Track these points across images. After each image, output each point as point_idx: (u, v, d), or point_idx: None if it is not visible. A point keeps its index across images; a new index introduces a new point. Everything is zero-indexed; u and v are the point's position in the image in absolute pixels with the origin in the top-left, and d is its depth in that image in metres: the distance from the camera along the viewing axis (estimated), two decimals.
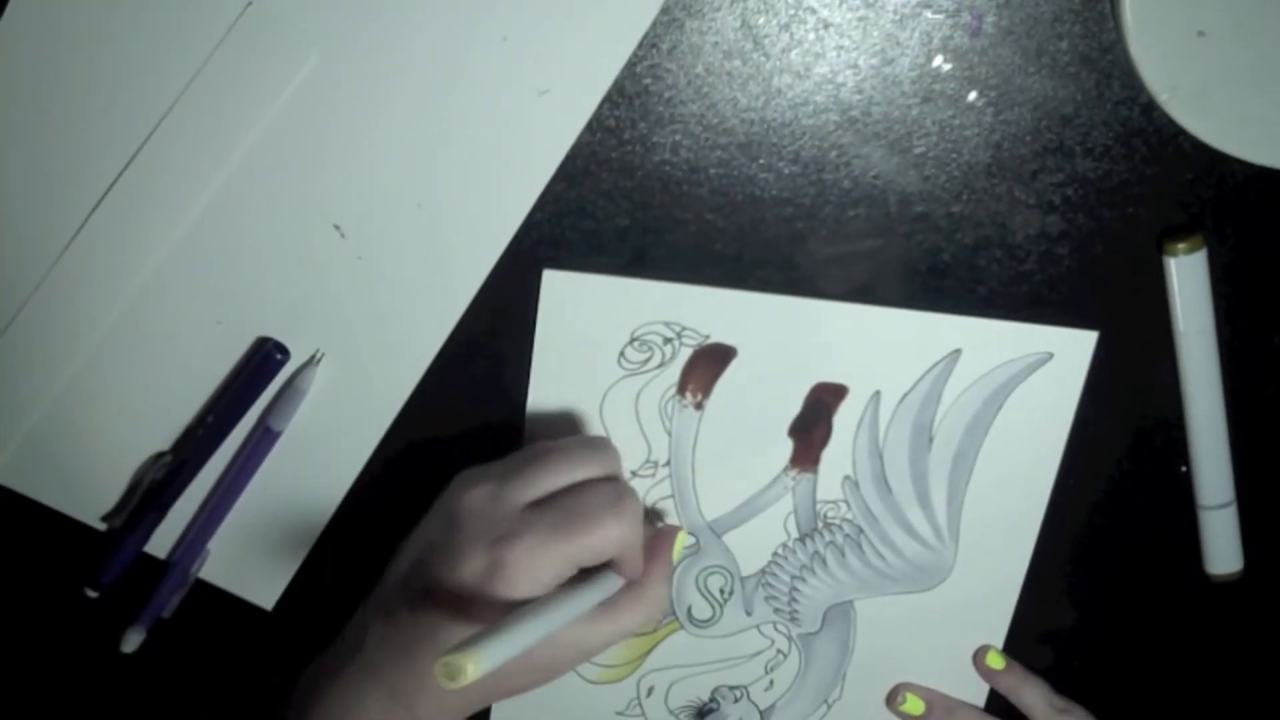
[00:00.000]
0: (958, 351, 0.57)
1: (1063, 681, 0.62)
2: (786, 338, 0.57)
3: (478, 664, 0.41)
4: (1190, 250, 0.54)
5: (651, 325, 0.57)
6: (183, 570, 0.61)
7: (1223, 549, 0.60)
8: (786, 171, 0.55)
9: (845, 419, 0.59)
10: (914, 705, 0.63)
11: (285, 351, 0.57)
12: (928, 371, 0.58)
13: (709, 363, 0.58)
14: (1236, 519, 0.59)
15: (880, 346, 0.57)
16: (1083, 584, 0.62)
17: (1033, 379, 0.58)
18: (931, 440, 0.59)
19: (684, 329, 0.57)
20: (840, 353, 0.58)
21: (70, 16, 0.53)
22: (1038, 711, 0.61)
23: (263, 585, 0.63)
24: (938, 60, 0.53)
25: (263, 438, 0.59)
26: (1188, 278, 0.55)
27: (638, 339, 0.57)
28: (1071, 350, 0.57)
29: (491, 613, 0.49)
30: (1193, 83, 0.51)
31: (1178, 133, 0.52)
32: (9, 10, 0.53)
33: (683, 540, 0.57)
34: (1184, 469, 0.59)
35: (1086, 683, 0.62)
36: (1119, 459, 0.59)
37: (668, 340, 0.57)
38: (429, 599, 0.50)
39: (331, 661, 0.53)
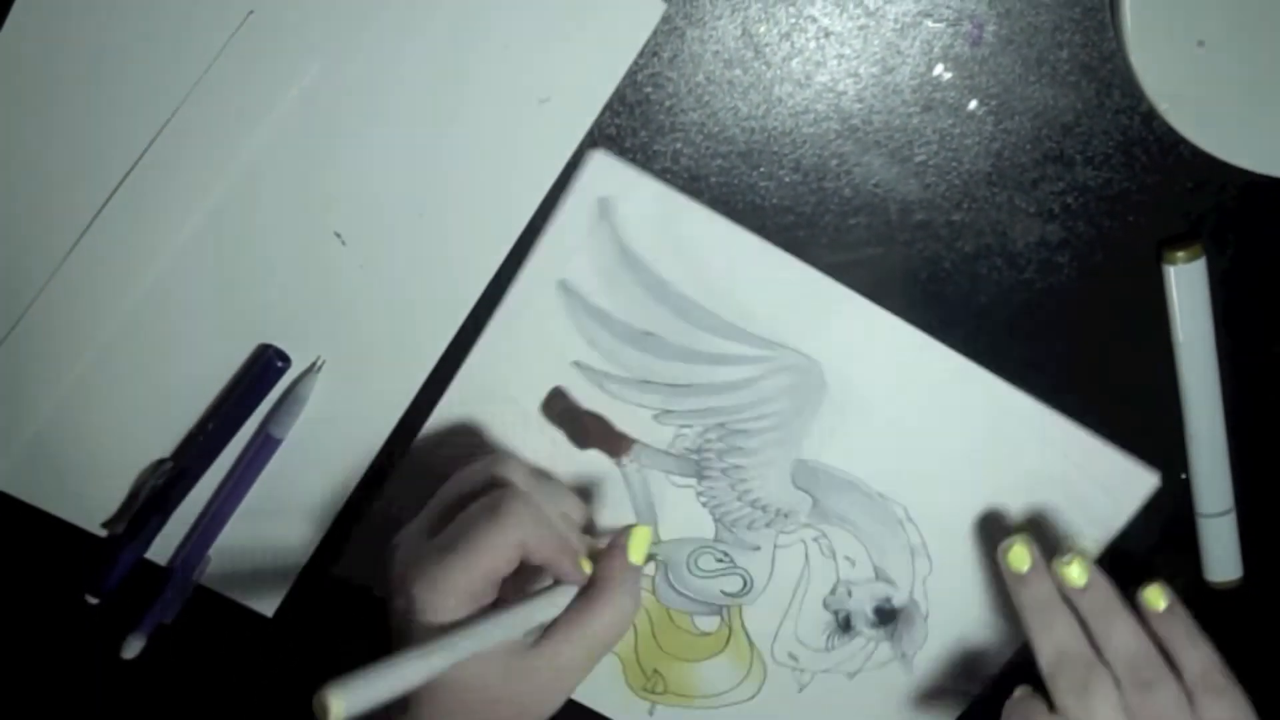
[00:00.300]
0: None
1: None
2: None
3: (341, 703, 0.40)
4: (1189, 259, 0.54)
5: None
6: (184, 576, 0.61)
7: (1222, 557, 0.60)
8: (787, 180, 0.55)
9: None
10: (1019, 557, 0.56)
11: (286, 359, 0.57)
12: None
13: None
14: (1235, 527, 0.59)
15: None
16: None
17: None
18: None
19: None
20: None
21: (73, 24, 0.53)
22: (1194, 676, 0.55)
23: (263, 592, 0.63)
24: (938, 69, 0.54)
25: (264, 445, 0.59)
26: (1187, 286, 0.55)
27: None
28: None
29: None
30: (1193, 92, 0.51)
31: (1178, 141, 0.53)
32: (11, 18, 0.53)
33: (645, 536, 0.53)
34: (1183, 476, 0.59)
35: None
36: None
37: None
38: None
39: None
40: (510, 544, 0.49)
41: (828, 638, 0.62)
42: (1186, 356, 0.56)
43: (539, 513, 0.51)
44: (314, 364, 0.58)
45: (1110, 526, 0.60)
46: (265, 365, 0.57)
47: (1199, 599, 0.61)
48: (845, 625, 0.62)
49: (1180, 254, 0.55)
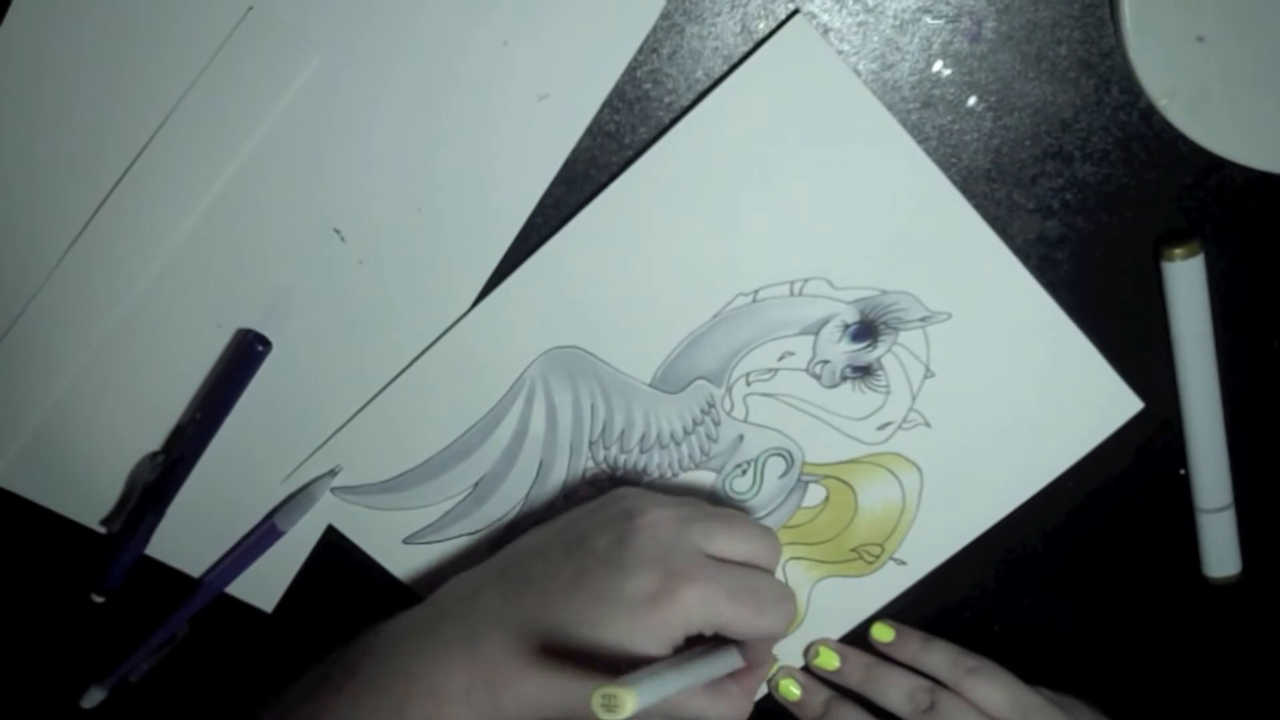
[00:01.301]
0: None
1: (1061, 683, 0.62)
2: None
3: (636, 699, 0.42)
4: (1187, 255, 0.54)
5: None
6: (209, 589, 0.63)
7: (1221, 552, 0.60)
8: None
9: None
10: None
11: (266, 343, 0.58)
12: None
13: None
14: (1235, 522, 0.59)
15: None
16: (1082, 586, 0.62)
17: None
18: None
19: None
20: None
21: (71, 20, 0.53)
22: (947, 673, 0.60)
23: (264, 588, 0.63)
24: (937, 65, 0.54)
25: (266, 534, 0.61)
26: (1185, 283, 0.55)
27: None
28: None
29: (609, 661, 0.49)
30: (1192, 88, 0.51)
31: (1177, 137, 0.52)
32: (10, 15, 0.53)
33: (774, 668, 0.62)
34: (1182, 472, 0.59)
35: (1085, 685, 0.62)
36: (1118, 462, 0.59)
37: None
38: (549, 610, 0.51)
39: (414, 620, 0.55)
40: (773, 634, 0.53)
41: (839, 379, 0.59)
42: (1185, 352, 0.56)
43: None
44: (332, 470, 0.60)
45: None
46: (245, 349, 0.57)
47: (1198, 595, 0.61)
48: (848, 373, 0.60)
49: (1178, 251, 0.55)
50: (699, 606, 0.49)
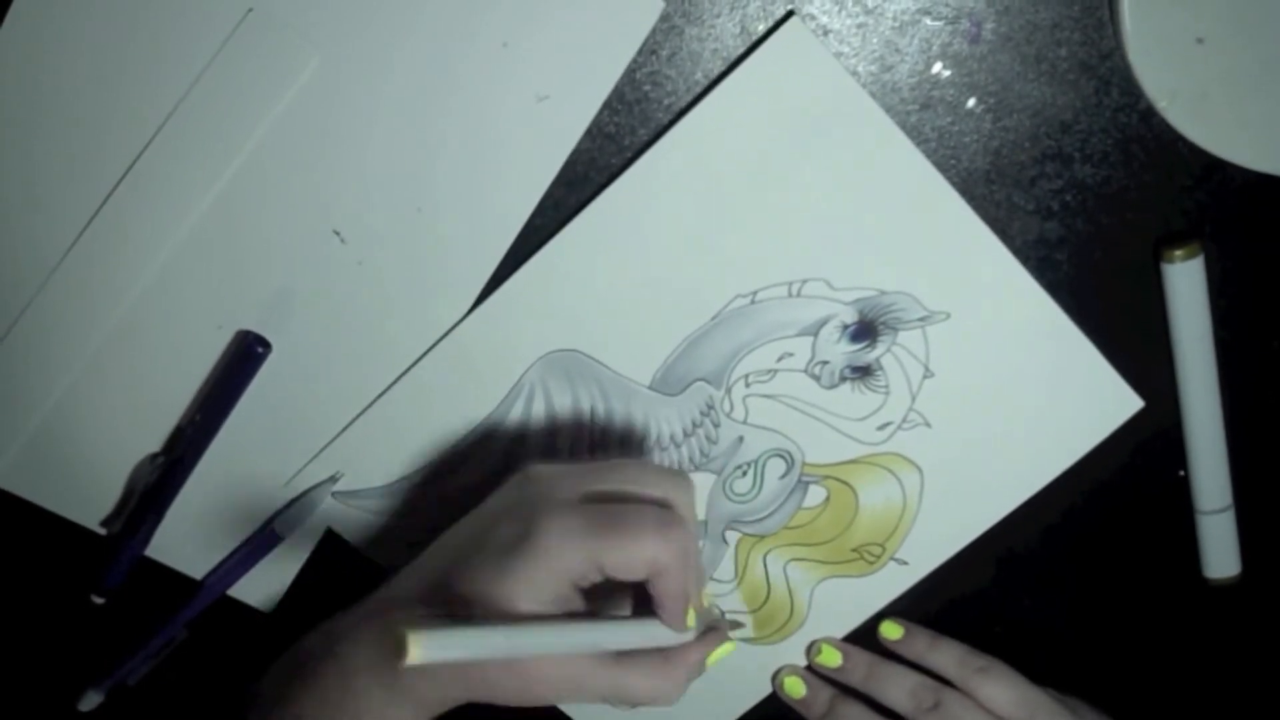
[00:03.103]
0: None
1: (1061, 684, 0.62)
2: None
3: (419, 648, 0.40)
4: (1187, 257, 0.54)
5: None
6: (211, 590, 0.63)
7: (1221, 553, 0.60)
8: None
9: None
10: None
11: (266, 344, 0.58)
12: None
13: None
14: (1234, 523, 0.59)
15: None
16: (1081, 587, 0.62)
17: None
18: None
19: None
20: None
21: (71, 22, 0.53)
22: (954, 672, 0.60)
23: (262, 590, 0.63)
24: (937, 67, 0.53)
25: (265, 539, 0.61)
26: (1185, 285, 0.55)
27: None
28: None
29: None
30: (1191, 89, 0.51)
31: (1176, 139, 0.52)
32: (10, 17, 0.53)
33: (729, 649, 0.54)
34: (1181, 473, 0.59)
35: (1085, 686, 0.62)
36: (1117, 462, 0.59)
37: None
38: (441, 579, 0.49)
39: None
40: (657, 562, 0.49)
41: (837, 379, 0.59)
42: (1185, 353, 0.56)
43: (693, 553, 0.51)
44: (333, 476, 0.60)
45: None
46: (245, 351, 0.58)
47: (1198, 596, 0.61)
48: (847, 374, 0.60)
49: (1178, 253, 0.55)
50: (558, 542, 0.47)
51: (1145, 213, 0.55)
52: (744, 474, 0.60)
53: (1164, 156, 0.54)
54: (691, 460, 0.60)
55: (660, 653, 0.51)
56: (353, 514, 0.61)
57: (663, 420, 0.59)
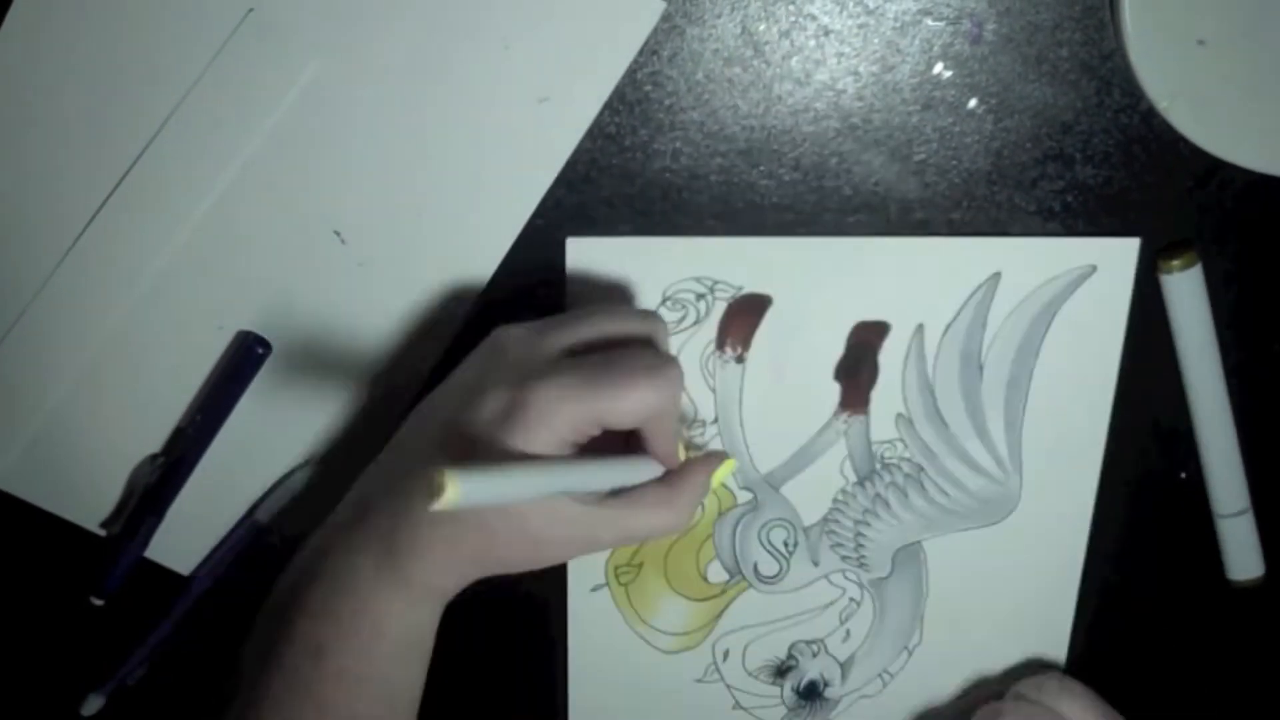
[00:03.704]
0: (997, 275, 0.56)
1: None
2: (820, 280, 0.56)
3: (457, 488, 0.38)
4: (1184, 267, 0.54)
5: (682, 283, 0.56)
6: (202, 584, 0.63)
7: (1243, 555, 0.60)
8: (787, 178, 0.55)
9: (891, 356, 0.58)
10: None
11: (267, 345, 0.57)
12: (969, 298, 0.57)
13: (745, 314, 0.57)
14: (1254, 525, 0.59)
15: (917, 277, 0.56)
16: (1105, 592, 0.62)
17: (1079, 295, 0.57)
18: (982, 368, 0.58)
19: (716, 283, 0.56)
20: (877, 288, 0.56)
21: (70, 23, 0.53)
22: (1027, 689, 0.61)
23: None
24: (938, 67, 0.53)
25: (248, 530, 0.61)
26: (1184, 294, 0.55)
27: (670, 298, 0.56)
28: (1115, 260, 0.56)
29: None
30: (1192, 90, 0.51)
31: (1177, 140, 0.53)
32: (10, 16, 0.52)
33: (730, 467, 0.55)
34: (1183, 475, 0.59)
35: (1110, 689, 0.62)
36: (1134, 467, 0.59)
37: (700, 296, 0.56)
38: (439, 449, 0.48)
39: (332, 523, 0.52)
40: (655, 406, 0.48)
41: (760, 671, 0.64)
42: (1190, 361, 0.56)
43: (681, 388, 0.50)
44: (308, 460, 0.60)
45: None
46: (245, 352, 0.57)
47: (1222, 598, 0.61)
48: (779, 674, 0.64)
49: (1175, 263, 0.55)
50: (554, 404, 0.46)
51: (1147, 212, 0.55)
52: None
53: (1165, 157, 0.54)
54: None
55: (663, 482, 0.51)
56: None
57: None
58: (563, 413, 0.46)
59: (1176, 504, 0.60)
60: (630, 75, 0.53)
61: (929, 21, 0.53)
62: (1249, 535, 0.60)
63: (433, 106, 0.54)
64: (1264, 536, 0.60)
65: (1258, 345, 0.57)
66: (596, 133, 0.54)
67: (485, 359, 0.50)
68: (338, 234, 0.56)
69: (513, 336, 0.50)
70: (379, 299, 0.57)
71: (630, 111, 0.54)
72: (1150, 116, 0.53)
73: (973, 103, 0.54)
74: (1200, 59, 0.51)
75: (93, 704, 0.63)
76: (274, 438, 0.60)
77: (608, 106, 0.54)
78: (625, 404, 0.47)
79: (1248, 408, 0.57)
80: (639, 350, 0.50)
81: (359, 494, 0.52)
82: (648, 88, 0.54)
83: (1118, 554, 0.61)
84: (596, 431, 0.48)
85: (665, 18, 0.53)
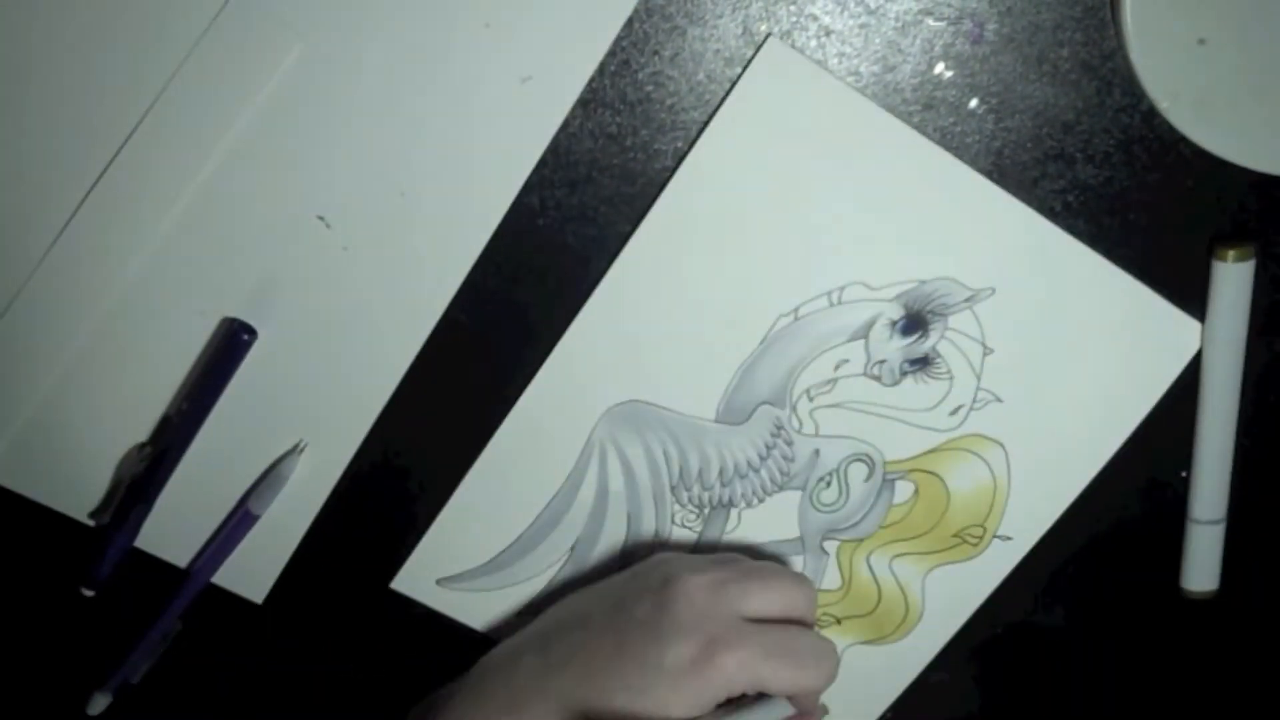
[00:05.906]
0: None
1: (1059, 684, 0.62)
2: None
3: None
4: (1240, 259, 0.54)
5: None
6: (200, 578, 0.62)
7: (1203, 566, 0.60)
8: None
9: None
10: None
11: (252, 331, 0.57)
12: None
13: None
14: (1223, 538, 0.59)
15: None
16: (1081, 591, 0.63)
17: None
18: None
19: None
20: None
21: (52, 9, 0.52)
22: None
23: (253, 579, 0.62)
24: (939, 67, 0.53)
25: (242, 521, 0.60)
26: (1231, 287, 0.55)
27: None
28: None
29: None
30: (1193, 90, 0.51)
31: (1178, 140, 0.53)
32: None
33: None
34: (1183, 474, 0.59)
35: (1085, 688, 0.63)
36: (1123, 471, 0.60)
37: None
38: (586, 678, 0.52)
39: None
40: (816, 690, 0.53)
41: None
42: (1213, 357, 0.56)
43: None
44: (296, 446, 0.59)
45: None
46: (231, 339, 0.57)
47: (1173, 606, 0.62)
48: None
49: (1231, 253, 0.55)
50: (738, 671, 0.51)
51: (1148, 213, 0.55)
52: (828, 484, 0.60)
53: (1166, 157, 0.54)
54: (773, 481, 0.60)
55: None
56: (464, 597, 0.62)
57: (736, 449, 0.59)
58: (742, 679, 0.51)
59: (1150, 504, 0.60)
60: (632, 75, 0.53)
61: (930, 21, 0.53)
62: (1214, 547, 0.60)
63: (415, 88, 0.53)
64: (1226, 552, 0.60)
65: (1258, 346, 0.57)
66: (598, 133, 0.54)
67: (663, 599, 0.53)
68: (322, 218, 0.55)
69: (696, 584, 0.53)
70: (364, 283, 0.57)
71: (631, 111, 0.54)
72: (1151, 116, 0.53)
73: (974, 103, 0.54)
74: (1201, 59, 0.50)
75: (99, 703, 0.62)
76: (262, 425, 0.59)
77: (609, 107, 0.53)
78: (796, 684, 0.52)
79: (1242, 413, 0.58)
80: (813, 635, 0.54)
81: (501, 675, 0.55)
82: (649, 88, 0.53)
83: (1087, 547, 0.62)
84: (751, 692, 0.52)
85: (666, 17, 0.52)
